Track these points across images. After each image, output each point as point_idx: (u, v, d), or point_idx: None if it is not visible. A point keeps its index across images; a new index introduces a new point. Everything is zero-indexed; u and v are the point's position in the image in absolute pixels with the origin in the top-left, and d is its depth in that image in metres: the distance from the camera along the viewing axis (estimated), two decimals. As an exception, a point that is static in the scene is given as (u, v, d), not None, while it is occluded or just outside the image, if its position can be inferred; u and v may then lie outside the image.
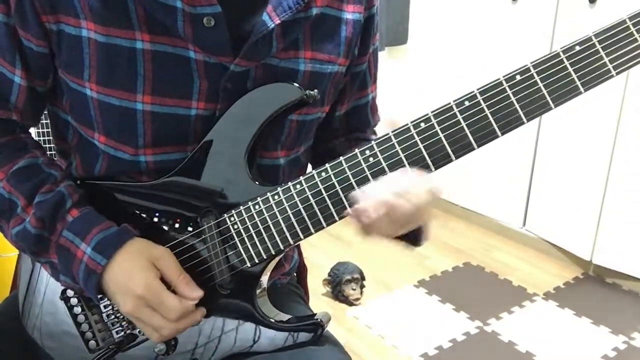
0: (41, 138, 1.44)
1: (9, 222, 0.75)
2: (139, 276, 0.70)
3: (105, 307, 0.79)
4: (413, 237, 0.79)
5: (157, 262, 0.72)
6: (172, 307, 0.70)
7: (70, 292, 0.79)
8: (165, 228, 0.76)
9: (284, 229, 0.72)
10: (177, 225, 0.76)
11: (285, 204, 0.72)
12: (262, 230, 0.73)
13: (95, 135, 0.75)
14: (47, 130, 1.40)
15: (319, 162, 0.90)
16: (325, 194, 0.71)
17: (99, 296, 0.73)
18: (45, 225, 0.73)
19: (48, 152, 0.82)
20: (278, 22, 0.72)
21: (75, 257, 0.72)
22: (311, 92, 0.73)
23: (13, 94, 0.75)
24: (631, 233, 2.21)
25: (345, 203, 0.70)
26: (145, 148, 0.74)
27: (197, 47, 0.71)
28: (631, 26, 0.63)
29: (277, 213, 0.72)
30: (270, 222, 0.73)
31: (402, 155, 0.68)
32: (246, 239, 0.74)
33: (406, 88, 2.93)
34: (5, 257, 1.65)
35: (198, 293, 0.72)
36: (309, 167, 0.91)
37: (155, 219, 0.76)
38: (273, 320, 0.78)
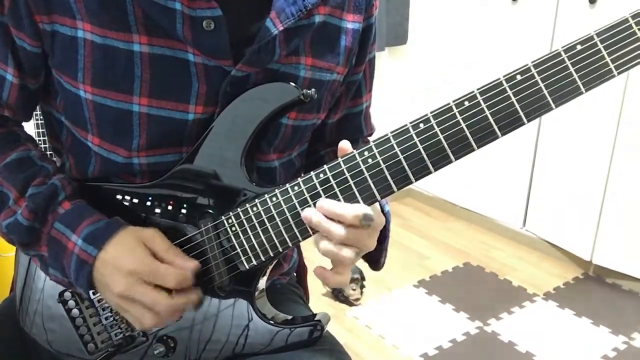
0: (41, 138, 1.43)
1: (0, 215, 0.75)
2: (129, 255, 0.70)
3: (104, 309, 0.78)
4: (371, 261, 0.84)
5: (147, 241, 0.71)
6: (168, 273, 0.69)
7: (67, 295, 0.79)
8: (163, 230, 0.75)
9: (282, 231, 0.72)
10: (174, 228, 0.75)
11: (284, 206, 0.71)
12: (260, 232, 0.73)
13: (88, 137, 0.75)
14: (44, 130, 1.40)
15: (307, 170, 0.90)
16: (323, 196, 0.70)
17: (91, 291, 0.73)
18: (37, 217, 0.73)
19: (46, 153, 0.81)
20: (281, 28, 0.71)
21: (67, 249, 0.72)
22: (308, 92, 0.73)
23: (4, 91, 0.74)
24: (631, 233, 2.21)
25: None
26: (139, 151, 0.74)
27: (196, 50, 0.70)
28: (633, 25, 0.62)
29: (275, 215, 0.72)
30: (268, 224, 0.72)
31: (401, 157, 0.68)
32: (244, 241, 0.73)
33: (406, 88, 2.93)
34: (5, 257, 1.64)
35: (192, 262, 0.71)
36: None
37: (153, 221, 0.76)
38: (273, 322, 0.77)
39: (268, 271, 0.78)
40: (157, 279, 0.69)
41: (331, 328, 0.83)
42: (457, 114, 0.66)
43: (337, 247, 0.68)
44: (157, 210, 0.76)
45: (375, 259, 0.83)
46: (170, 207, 0.76)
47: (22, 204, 0.73)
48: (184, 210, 0.75)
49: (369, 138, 0.96)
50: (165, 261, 0.71)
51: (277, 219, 0.72)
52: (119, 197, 0.77)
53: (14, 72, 0.73)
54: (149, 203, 0.76)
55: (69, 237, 0.72)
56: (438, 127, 0.66)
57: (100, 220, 0.73)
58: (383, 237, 0.79)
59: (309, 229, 0.71)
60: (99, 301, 0.78)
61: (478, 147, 0.66)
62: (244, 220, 0.73)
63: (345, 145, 0.70)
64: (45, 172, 0.76)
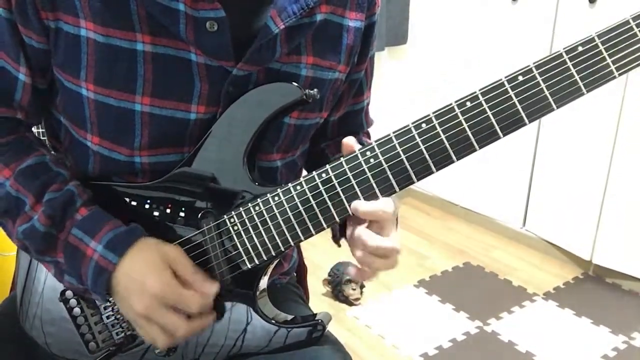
0: (41, 137, 1.43)
1: (15, 221, 0.74)
2: (154, 275, 0.69)
3: (105, 308, 0.78)
4: None
5: (171, 260, 0.71)
6: (192, 300, 0.69)
7: (69, 294, 0.79)
8: (165, 229, 0.76)
9: (285, 230, 0.72)
10: (176, 227, 0.75)
11: (286, 205, 0.72)
12: (262, 231, 0.73)
13: (87, 136, 0.75)
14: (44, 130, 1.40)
15: (307, 163, 0.89)
16: (325, 195, 0.70)
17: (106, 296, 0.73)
18: (54, 223, 0.73)
19: (60, 157, 0.81)
20: (282, 27, 0.71)
21: (85, 255, 0.72)
22: (311, 92, 0.73)
23: (18, 91, 0.74)
24: (631, 233, 2.21)
25: (346, 204, 0.70)
26: (141, 150, 0.74)
27: (198, 50, 0.70)
28: (634, 27, 0.62)
29: (277, 214, 0.72)
30: (270, 223, 0.72)
31: (403, 157, 0.68)
32: (246, 240, 0.74)
33: (406, 88, 2.93)
34: (5, 257, 1.64)
35: (215, 287, 0.72)
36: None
37: (155, 221, 0.76)
38: (274, 321, 0.77)
39: (269, 271, 0.78)
40: (181, 304, 0.69)
41: (331, 328, 0.83)
42: (459, 114, 0.66)
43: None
44: (158, 210, 0.76)
45: None
46: (172, 207, 0.76)
47: (38, 210, 0.73)
48: (186, 210, 0.75)
49: (369, 132, 0.97)
50: (188, 285, 0.71)
51: (280, 219, 0.72)
52: (120, 197, 0.77)
53: (26, 71, 0.73)
54: (150, 202, 0.76)
55: (88, 244, 0.72)
56: (440, 127, 0.67)
57: (120, 227, 0.73)
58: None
59: (310, 228, 0.71)
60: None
61: (480, 148, 0.67)
62: (246, 220, 0.73)
63: (349, 140, 0.70)
64: (62, 178, 0.75)
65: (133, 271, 0.70)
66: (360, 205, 0.69)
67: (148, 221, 0.76)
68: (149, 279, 0.69)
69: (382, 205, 0.70)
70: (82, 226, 0.73)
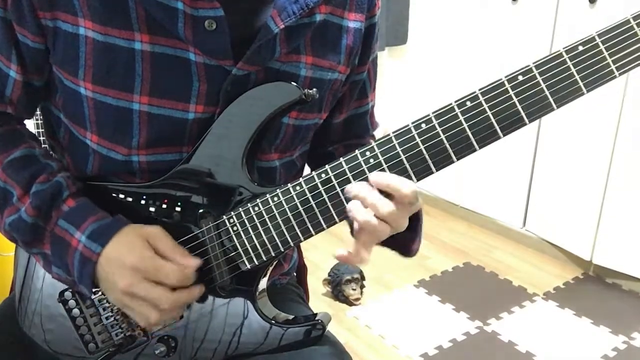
0: (41, 138, 1.43)
1: (3, 212, 0.74)
2: (132, 251, 0.70)
3: (104, 309, 0.78)
4: (403, 247, 0.80)
5: (150, 239, 0.72)
6: (170, 271, 0.69)
7: (68, 295, 0.78)
8: (164, 229, 0.75)
9: (284, 230, 0.72)
10: (175, 227, 0.75)
11: (285, 206, 0.71)
12: (261, 232, 0.73)
13: (87, 135, 0.75)
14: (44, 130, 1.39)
15: (316, 166, 0.90)
16: (325, 196, 0.70)
17: (94, 290, 0.73)
18: (41, 214, 0.73)
19: (50, 151, 0.81)
20: (282, 27, 0.71)
21: (70, 246, 0.72)
22: (310, 91, 0.73)
23: (8, 87, 0.75)
24: (631, 233, 2.21)
25: (346, 204, 0.70)
26: (139, 149, 0.74)
27: (197, 50, 0.70)
28: (635, 26, 0.62)
29: (276, 215, 0.72)
30: (270, 224, 0.72)
31: (403, 157, 0.68)
32: (246, 241, 0.73)
33: (406, 88, 2.93)
34: (5, 257, 1.64)
35: (194, 260, 0.72)
36: (307, 170, 0.91)
37: (154, 221, 0.76)
38: (274, 322, 0.77)
39: (269, 272, 0.78)
40: (159, 276, 0.69)
41: (331, 328, 0.83)
42: (459, 114, 0.66)
43: (378, 220, 0.67)
44: (158, 210, 0.76)
45: (406, 245, 0.80)
46: (171, 207, 0.76)
47: (26, 201, 0.73)
48: (185, 210, 0.75)
49: (374, 135, 0.97)
50: (167, 259, 0.71)
51: (279, 219, 0.72)
52: (119, 196, 0.77)
53: (17, 68, 0.73)
54: (149, 202, 0.76)
55: (73, 234, 0.72)
56: (440, 127, 0.67)
57: (105, 218, 0.73)
58: (416, 221, 0.77)
59: (310, 228, 0.71)
60: (99, 301, 0.78)
61: (480, 148, 0.67)
62: (246, 220, 0.73)
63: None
64: (50, 169, 0.75)
65: (114, 255, 0.70)
66: (373, 176, 0.67)
67: (147, 221, 0.76)
68: (127, 256, 0.69)
69: (399, 181, 0.66)
70: (68, 217, 0.73)
